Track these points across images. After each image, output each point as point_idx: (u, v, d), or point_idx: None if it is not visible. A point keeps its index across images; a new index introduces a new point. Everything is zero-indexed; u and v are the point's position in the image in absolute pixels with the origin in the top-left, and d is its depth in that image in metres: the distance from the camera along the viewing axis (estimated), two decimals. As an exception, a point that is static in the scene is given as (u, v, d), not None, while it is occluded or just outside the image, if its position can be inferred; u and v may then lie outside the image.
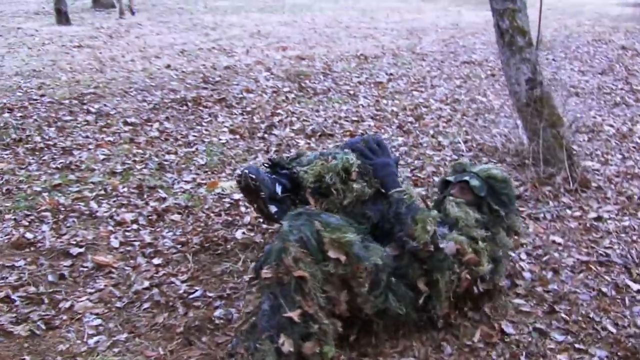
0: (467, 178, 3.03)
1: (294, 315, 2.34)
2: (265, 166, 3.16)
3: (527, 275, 3.29)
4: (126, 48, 9.34)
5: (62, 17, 12.39)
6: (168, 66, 7.93)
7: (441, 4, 18.02)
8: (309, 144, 5.16)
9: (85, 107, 5.91)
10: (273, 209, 2.97)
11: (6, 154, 4.71)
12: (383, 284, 2.57)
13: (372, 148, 3.11)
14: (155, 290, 3.01)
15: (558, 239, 3.66)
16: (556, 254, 3.49)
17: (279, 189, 3.01)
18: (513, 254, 3.43)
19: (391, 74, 7.89)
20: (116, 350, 2.57)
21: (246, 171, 2.93)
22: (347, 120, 5.84)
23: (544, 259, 3.44)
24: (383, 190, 2.99)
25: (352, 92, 6.91)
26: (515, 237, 3.29)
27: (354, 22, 13.34)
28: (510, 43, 4.47)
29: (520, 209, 4.03)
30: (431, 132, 5.56)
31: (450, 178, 3.13)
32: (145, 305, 2.90)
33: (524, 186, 4.35)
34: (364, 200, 2.97)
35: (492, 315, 2.91)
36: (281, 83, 7.14)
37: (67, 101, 6.08)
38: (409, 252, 2.68)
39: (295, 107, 6.22)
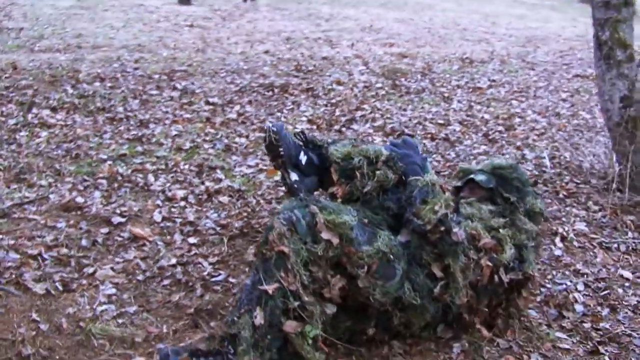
0: (472, 176, 2.99)
1: (270, 288, 2.26)
2: (297, 137, 3.04)
3: (578, 308, 3.01)
4: (234, 31, 9.49)
5: (183, -4, 12.79)
6: (266, 52, 7.97)
7: (570, 14, 17.14)
8: (385, 141, 5.00)
9: (172, 83, 6.03)
10: (293, 176, 2.89)
11: (87, 121, 4.86)
12: (399, 273, 2.47)
13: (398, 144, 3.04)
14: (180, 268, 2.98)
15: (627, 274, 3.33)
16: (620, 290, 3.17)
17: (303, 158, 2.93)
18: (567, 283, 3.16)
19: (493, 81, 7.54)
20: (120, 321, 2.56)
21: (270, 125, 2.87)
22: (432, 122, 5.62)
23: (604, 293, 3.14)
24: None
25: (446, 95, 6.65)
26: (542, 221, 3.12)
27: (473, 25, 12.91)
28: (608, 56, 4.12)
29: (593, 236, 3.71)
30: (518, 143, 5.24)
31: (458, 183, 3.06)
32: (165, 282, 2.88)
33: (603, 212, 4.00)
34: (385, 189, 2.83)
35: (523, 344, 2.68)
36: (375, 78, 6.99)
37: (157, 76, 6.23)
38: (415, 232, 2.57)
39: (383, 104, 6.06)
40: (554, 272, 3.27)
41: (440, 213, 2.58)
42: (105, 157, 4.20)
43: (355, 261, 2.38)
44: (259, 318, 2.24)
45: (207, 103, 5.55)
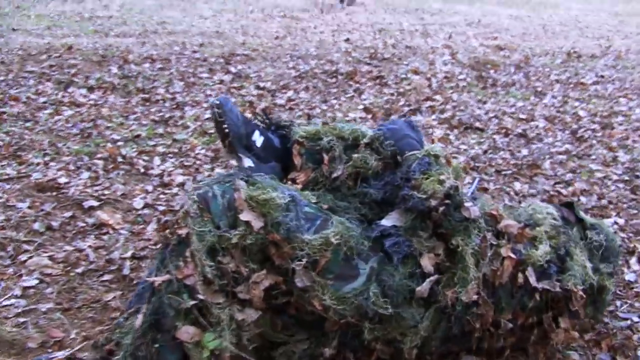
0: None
1: (157, 280, 1.75)
2: (256, 116, 2.47)
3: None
4: (327, 22, 9.00)
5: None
6: (347, 40, 7.41)
7: None
8: (447, 135, 4.31)
9: (228, 67, 5.61)
10: (247, 162, 2.26)
11: (120, 101, 4.53)
12: (364, 273, 1.85)
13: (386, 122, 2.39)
14: (132, 263, 2.49)
15: None
16: None
17: (258, 139, 2.30)
18: (635, 319, 2.41)
19: (602, 77, 6.56)
20: (21, 320, 2.09)
21: (214, 99, 2.30)
22: (511, 117, 4.84)
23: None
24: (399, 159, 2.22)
25: (540, 89, 5.80)
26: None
27: (597, 23, 11.69)
28: None
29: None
30: (614, 144, 4.36)
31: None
32: (107, 277, 2.42)
33: None
34: (364, 177, 2.20)
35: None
36: (459, 69, 6.24)
37: (214, 59, 5.83)
38: (412, 210, 1.96)
39: (461, 96, 5.33)
40: (618, 303, 2.49)
41: (449, 184, 1.96)
42: (118, 137, 3.81)
43: (287, 253, 1.78)
44: (139, 319, 1.72)
45: (257, 87, 5.08)
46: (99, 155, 3.51)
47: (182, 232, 1.78)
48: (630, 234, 3.06)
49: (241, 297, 1.77)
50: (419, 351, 1.95)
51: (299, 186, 2.15)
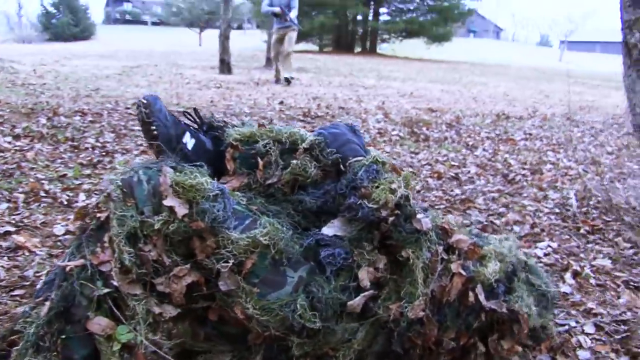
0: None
1: (69, 264, 1.57)
2: (186, 116, 2.24)
3: (583, 354, 2.18)
4: (263, 92, 9.04)
5: (225, 66, 12.66)
6: (281, 102, 7.47)
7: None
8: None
9: (160, 120, 5.52)
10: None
11: (47, 148, 4.36)
12: (292, 282, 1.70)
13: (327, 126, 2.23)
14: (36, 280, 2.31)
15: (661, 318, 2.47)
16: (648, 335, 2.31)
17: (189, 141, 2.06)
18: (572, 324, 2.35)
19: (530, 134, 6.77)
20: None
21: (141, 97, 2.04)
22: (444, 164, 4.87)
23: (622, 337, 2.28)
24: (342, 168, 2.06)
25: (471, 144, 5.91)
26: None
27: (523, 97, 12.19)
28: (639, 61, 3.36)
29: (618, 274, 2.88)
30: (544, 185, 4.43)
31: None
32: (17, 293, 2.24)
33: (635, 248, 3.15)
34: (302, 185, 2.05)
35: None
36: (392, 126, 6.33)
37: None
38: (363, 220, 1.80)
39: (394, 149, 5.36)
40: (555, 311, 2.43)
41: (400, 193, 1.82)
42: (42, 176, 3.64)
43: (211, 247, 1.62)
44: (45, 306, 1.55)
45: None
46: (20, 190, 3.33)
47: (102, 215, 1.64)
48: (564, 255, 3.07)
49: (160, 290, 1.61)
50: None
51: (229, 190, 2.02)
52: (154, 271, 1.59)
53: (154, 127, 1.97)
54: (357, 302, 1.74)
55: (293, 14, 10.46)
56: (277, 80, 11.08)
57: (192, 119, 2.21)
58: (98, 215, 1.64)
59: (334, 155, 2.04)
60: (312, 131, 2.17)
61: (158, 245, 1.60)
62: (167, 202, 1.62)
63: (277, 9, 10.33)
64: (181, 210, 1.61)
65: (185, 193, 1.65)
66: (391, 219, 1.79)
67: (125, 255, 1.56)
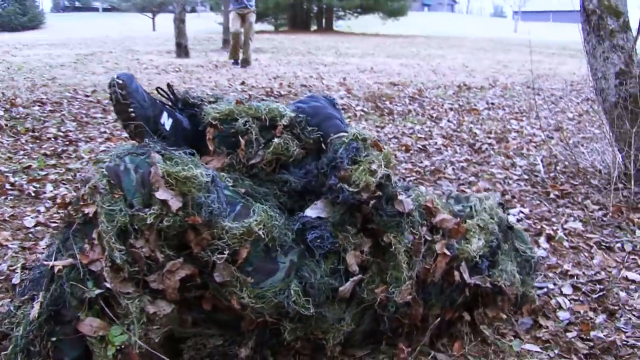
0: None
1: (58, 264, 1.52)
2: (160, 92, 2.15)
3: (563, 315, 2.21)
4: (223, 74, 8.93)
5: (182, 50, 12.43)
6: (242, 83, 7.39)
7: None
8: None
9: (122, 106, 5.42)
10: None
11: (7, 140, 4.23)
12: (284, 268, 1.67)
13: (305, 100, 2.19)
14: (20, 273, 2.25)
15: (633, 276, 2.56)
16: (622, 294, 2.38)
17: (167, 122, 1.99)
18: (550, 286, 2.39)
19: (492, 104, 6.83)
20: None
21: (116, 77, 1.91)
22: (410, 137, 4.88)
23: (598, 295, 2.32)
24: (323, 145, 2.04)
25: (435, 116, 5.94)
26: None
27: (482, 67, 12.27)
28: (598, 27, 3.41)
29: (590, 235, 2.92)
30: (511, 153, 4.47)
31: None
32: None
33: (604, 210, 3.21)
34: (286, 164, 2.02)
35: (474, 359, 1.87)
36: (355, 102, 6.31)
37: (107, 101, 5.63)
38: (341, 204, 1.78)
39: (358, 123, 5.35)
40: (533, 275, 2.46)
41: (380, 174, 1.79)
42: (6, 169, 3.54)
43: (206, 240, 1.58)
44: (35, 309, 1.49)
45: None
46: (-17, 184, 3.24)
47: (89, 210, 1.56)
48: (536, 220, 3.11)
49: (153, 287, 1.55)
50: (342, 347, 1.83)
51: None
52: (147, 268, 1.54)
53: (131, 109, 1.89)
54: (347, 287, 1.74)
55: None
56: (236, 62, 10.71)
57: (166, 96, 2.14)
58: (84, 209, 1.56)
59: (315, 134, 2.03)
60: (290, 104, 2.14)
61: (151, 241, 1.54)
62: (159, 195, 1.55)
63: None
64: (175, 203, 1.56)
65: (178, 185, 1.58)
66: (372, 202, 1.77)
67: (117, 253, 1.50)
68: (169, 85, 2.19)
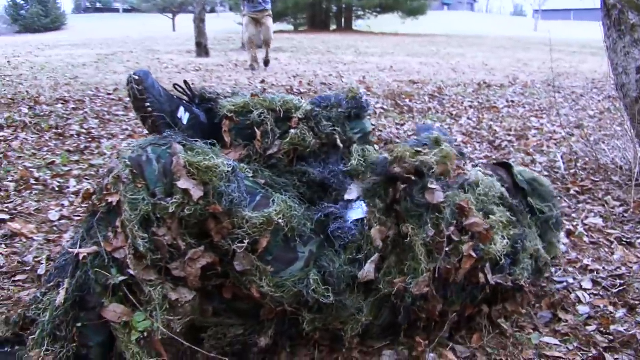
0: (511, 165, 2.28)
1: (83, 252, 1.54)
2: (177, 89, 2.22)
3: (582, 309, 2.20)
4: (243, 73, 9.00)
5: (202, 50, 12.55)
6: (262, 81, 7.46)
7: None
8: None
9: (143, 104, 5.48)
10: None
11: (32, 137, 4.31)
12: (304, 257, 1.70)
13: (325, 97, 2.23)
14: (45, 264, 2.31)
15: (655, 271, 2.51)
16: (643, 288, 2.35)
17: (184, 116, 2.07)
18: (570, 281, 2.39)
19: (512, 101, 6.80)
20: None
21: (133, 74, 2.01)
22: (430, 134, 4.88)
23: (619, 290, 2.31)
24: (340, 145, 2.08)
25: (455, 113, 5.92)
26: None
27: (502, 65, 12.22)
28: (619, 21, 3.38)
29: (610, 231, 2.91)
30: (531, 150, 4.46)
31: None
32: (20, 277, 2.26)
33: (625, 206, 3.19)
34: (302, 156, 2.05)
35: (492, 352, 1.89)
36: (375, 100, 6.33)
37: (129, 99, 5.70)
38: (377, 175, 1.86)
39: (380, 121, 5.35)
40: (553, 269, 2.46)
41: (424, 159, 1.84)
42: (31, 165, 3.61)
43: (227, 229, 1.61)
44: (60, 295, 1.52)
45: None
46: (9, 178, 3.31)
47: (113, 199, 1.59)
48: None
49: (175, 275, 1.59)
50: (360, 339, 1.85)
51: (231, 163, 2.00)
52: (169, 256, 1.57)
53: (148, 104, 1.96)
54: (367, 270, 1.76)
55: None
56: (252, 67, 9.93)
57: (183, 92, 2.19)
58: (108, 199, 1.60)
59: (329, 130, 2.07)
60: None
61: (173, 229, 1.57)
62: (181, 184, 1.59)
63: None
64: (197, 192, 1.59)
65: (200, 175, 1.62)
66: (404, 185, 1.81)
67: (140, 241, 1.54)
68: (185, 82, 2.24)
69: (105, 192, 1.62)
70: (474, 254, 1.84)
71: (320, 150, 2.06)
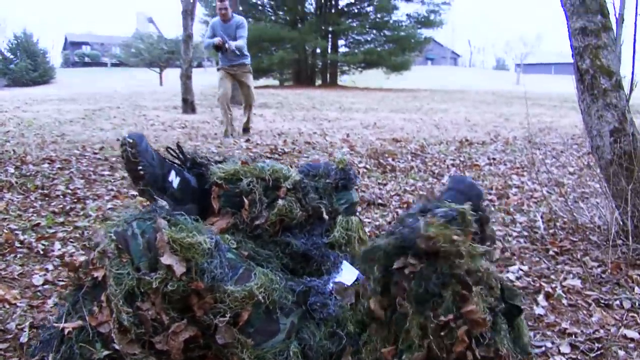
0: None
1: (68, 326, 1.59)
2: (169, 152, 2.33)
3: (560, 375, 2.21)
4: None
5: (188, 106, 12.68)
6: (247, 140, 7.52)
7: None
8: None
9: (129, 164, 5.52)
10: (161, 203, 2.01)
11: (17, 197, 4.32)
12: (285, 329, 1.74)
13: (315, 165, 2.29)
14: (28, 332, 2.28)
15: (632, 334, 2.56)
16: (622, 352, 2.39)
17: (175, 180, 2.15)
18: (548, 345, 2.41)
19: (494, 159, 6.92)
20: None
21: (127, 136, 2.10)
22: (412, 194, 4.95)
23: (597, 355, 2.35)
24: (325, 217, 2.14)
25: (437, 172, 6.01)
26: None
27: (484, 121, 12.43)
28: (592, 86, 3.49)
29: (588, 293, 2.95)
30: (511, 209, 4.53)
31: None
32: (0, 347, 2.18)
33: (603, 267, 3.24)
34: (288, 226, 2.11)
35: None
36: (358, 159, 6.41)
37: (115, 158, 5.75)
38: (399, 240, 1.84)
39: (361, 180, 5.42)
40: (531, 334, 2.49)
41: (460, 241, 1.84)
42: (16, 227, 3.61)
43: (209, 304, 1.65)
44: None
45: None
46: (-7, 241, 3.32)
47: (98, 274, 1.64)
48: (535, 277, 3.14)
49: (159, 348, 1.62)
50: None
51: (217, 232, 2.05)
52: (153, 330, 1.61)
53: (140, 167, 2.04)
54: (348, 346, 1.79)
55: (240, 42, 7.99)
56: (227, 133, 8.31)
57: (176, 155, 2.26)
58: (94, 273, 1.64)
59: (315, 203, 2.13)
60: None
61: (156, 304, 1.61)
62: (164, 260, 1.63)
63: (217, 39, 7.94)
64: (180, 269, 1.63)
65: (183, 252, 1.66)
66: (421, 265, 1.81)
67: (124, 315, 1.58)
68: (178, 145, 2.31)
69: (91, 267, 1.66)
70: (467, 339, 1.82)
71: (306, 221, 2.12)
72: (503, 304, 2.14)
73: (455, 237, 1.82)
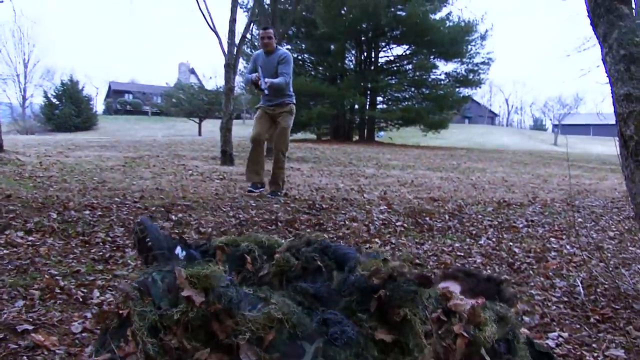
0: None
1: (98, 359, 1.71)
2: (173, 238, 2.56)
3: None
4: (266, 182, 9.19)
5: (227, 158, 12.90)
6: (285, 194, 7.57)
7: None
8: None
9: (169, 214, 5.62)
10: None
11: (58, 243, 4.42)
12: (309, 353, 1.79)
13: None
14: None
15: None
16: None
17: (181, 253, 2.38)
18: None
19: (532, 221, 6.85)
20: None
21: (137, 222, 2.41)
22: (449, 254, 4.93)
23: None
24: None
25: (474, 233, 5.98)
26: None
27: (522, 182, 12.36)
28: (636, 153, 3.48)
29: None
30: (550, 273, 4.47)
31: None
32: None
33: (649, 341, 3.17)
34: (288, 278, 2.31)
35: None
36: (396, 217, 6.41)
37: (154, 208, 5.85)
38: (355, 289, 2.04)
39: (399, 240, 5.42)
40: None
41: (396, 266, 2.07)
42: (56, 272, 3.69)
43: (230, 327, 1.75)
44: None
45: (198, 232, 5.05)
46: (35, 286, 3.38)
47: (123, 312, 1.76)
48: (576, 345, 3.08)
49: None
50: None
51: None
52: (177, 358, 1.70)
53: (148, 240, 2.30)
54: None
55: (279, 80, 7.10)
56: (255, 185, 7.47)
57: (180, 238, 2.59)
58: (119, 312, 1.73)
59: (309, 254, 2.35)
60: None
61: (178, 334, 1.73)
62: (184, 293, 1.76)
63: (254, 75, 7.12)
64: (198, 298, 1.76)
65: (200, 283, 1.79)
66: (382, 291, 1.96)
67: (149, 346, 1.68)
68: (180, 236, 2.57)
69: (116, 310, 1.75)
70: (464, 333, 1.91)
71: (305, 273, 2.29)
72: (530, 347, 2.17)
73: (392, 265, 2.08)
